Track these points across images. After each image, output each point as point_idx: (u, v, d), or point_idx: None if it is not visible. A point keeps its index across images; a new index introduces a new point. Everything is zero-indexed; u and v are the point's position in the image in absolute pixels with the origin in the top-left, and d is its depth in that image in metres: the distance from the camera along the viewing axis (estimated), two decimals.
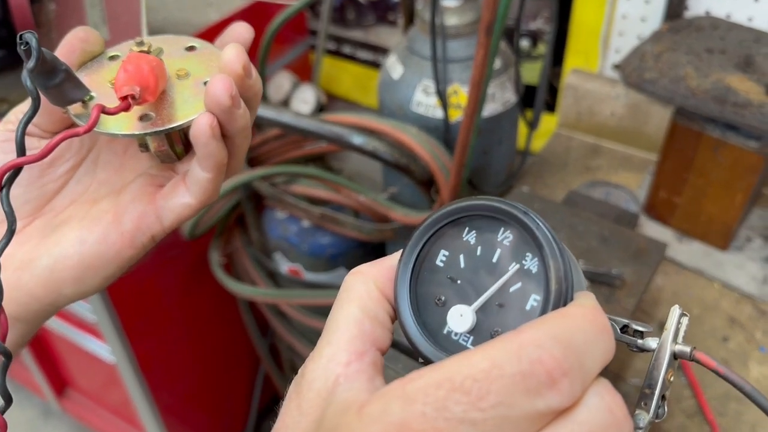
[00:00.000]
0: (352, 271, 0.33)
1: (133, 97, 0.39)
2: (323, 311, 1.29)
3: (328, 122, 0.96)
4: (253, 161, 1.16)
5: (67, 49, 0.42)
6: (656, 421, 0.33)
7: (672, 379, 0.33)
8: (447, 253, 0.33)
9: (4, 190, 0.32)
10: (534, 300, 0.30)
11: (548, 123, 1.29)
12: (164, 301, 1.36)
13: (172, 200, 0.44)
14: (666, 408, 0.33)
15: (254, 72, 0.42)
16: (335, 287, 1.28)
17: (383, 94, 1.05)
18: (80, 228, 0.43)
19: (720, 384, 0.85)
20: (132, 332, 1.28)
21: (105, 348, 1.34)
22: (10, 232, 0.32)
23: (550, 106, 1.31)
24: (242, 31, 0.44)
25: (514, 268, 0.31)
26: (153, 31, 0.52)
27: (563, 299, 0.29)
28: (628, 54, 0.96)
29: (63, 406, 1.77)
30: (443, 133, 1.00)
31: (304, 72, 1.47)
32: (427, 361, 0.31)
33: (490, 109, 0.98)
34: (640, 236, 0.81)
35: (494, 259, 0.31)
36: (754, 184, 0.92)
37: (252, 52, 1.14)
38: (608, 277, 0.72)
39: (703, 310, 0.93)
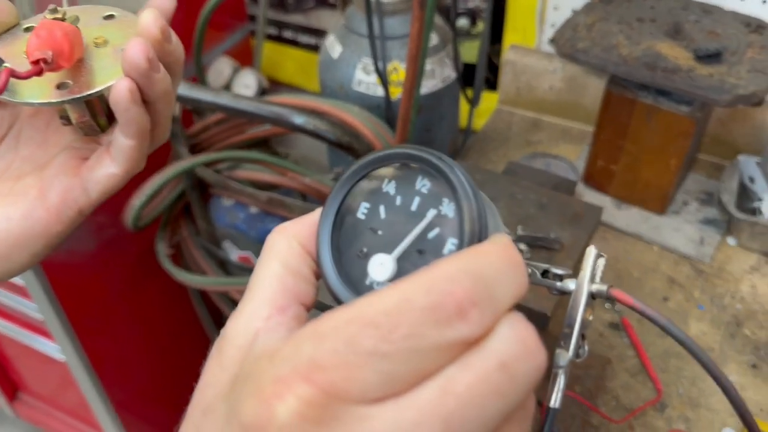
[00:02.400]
0: (275, 229, 0.33)
1: (45, 61, 0.39)
2: None
3: (268, 103, 0.95)
4: (195, 148, 1.15)
5: None
6: (577, 360, 0.34)
7: (591, 318, 0.33)
8: (368, 205, 0.33)
9: None
10: (452, 244, 0.30)
11: (490, 101, 1.31)
12: (113, 295, 1.34)
13: (97, 171, 0.44)
14: (586, 348, 0.34)
15: (174, 37, 0.42)
16: None
17: (323, 74, 1.04)
18: (4, 205, 0.43)
19: (661, 342, 0.88)
20: (81, 329, 1.26)
21: (54, 347, 1.31)
22: None
23: (492, 84, 1.32)
24: None
25: (431, 214, 0.31)
26: None
27: (477, 239, 0.30)
28: (561, 25, 0.98)
29: (16, 410, 1.72)
30: (385, 111, 1.00)
31: (245, 58, 1.45)
32: None
33: (429, 86, 0.99)
34: (576, 201, 0.82)
35: (413, 207, 0.32)
36: (688, 149, 0.95)
37: (187, 37, 1.12)
38: (546, 241, 0.74)
39: (642, 272, 0.96)
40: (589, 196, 1.04)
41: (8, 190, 0.43)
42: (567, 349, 0.33)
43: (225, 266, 1.32)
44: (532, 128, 1.21)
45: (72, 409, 1.63)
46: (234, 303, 1.37)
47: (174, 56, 0.43)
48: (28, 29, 0.44)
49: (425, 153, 0.31)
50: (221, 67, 1.29)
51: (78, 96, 0.41)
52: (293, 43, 1.50)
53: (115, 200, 0.49)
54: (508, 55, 1.20)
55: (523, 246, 0.71)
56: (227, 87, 1.28)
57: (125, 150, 0.43)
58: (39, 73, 0.39)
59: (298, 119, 0.94)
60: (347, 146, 0.95)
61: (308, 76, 1.53)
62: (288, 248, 0.32)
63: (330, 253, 0.33)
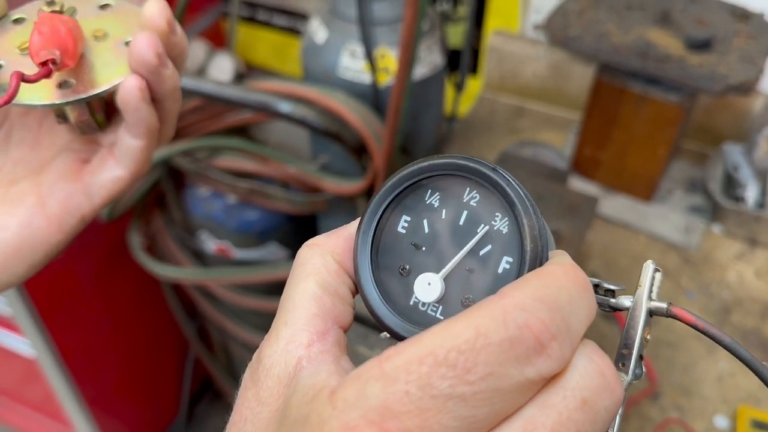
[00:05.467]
0: (307, 243, 0.30)
1: (53, 62, 0.35)
2: (255, 290, 1.26)
3: (253, 90, 0.92)
4: None
5: None
6: (634, 382, 0.32)
7: (649, 337, 0.32)
8: (409, 219, 0.30)
9: None
10: (506, 262, 0.28)
11: (471, 86, 1.29)
12: (84, 288, 1.29)
13: (101, 175, 0.41)
14: (644, 368, 0.32)
15: (179, 28, 0.39)
16: (266, 264, 1.25)
17: (307, 60, 1.01)
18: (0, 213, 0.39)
19: (652, 331, 0.88)
20: (52, 324, 1.21)
21: (23, 342, 1.26)
22: None
23: (472, 69, 1.31)
24: None
25: (483, 230, 0.29)
26: None
27: (539, 259, 0.27)
28: (551, 13, 0.97)
29: None
30: (372, 98, 0.97)
31: (217, 41, 1.40)
32: (397, 337, 0.29)
33: (418, 73, 0.97)
34: (572, 192, 0.82)
35: (461, 222, 0.29)
36: (675, 137, 0.95)
37: None
38: None
39: (631, 261, 0.96)
40: (576, 183, 1.04)
41: (2, 197, 0.40)
42: (625, 371, 0.31)
43: (201, 257, 1.28)
44: (515, 115, 1.20)
45: (38, 404, 1.57)
46: (210, 296, 1.33)
47: (179, 48, 0.39)
48: (17, 21, 0.40)
49: (477, 164, 0.29)
50: (195, 50, 1.23)
51: (84, 96, 0.38)
52: (267, 24, 1.45)
53: None
54: (492, 41, 1.19)
55: None
56: (201, 71, 1.23)
57: (132, 151, 0.40)
58: (48, 75, 0.35)
59: (285, 107, 0.90)
60: (335, 135, 0.93)
61: (282, 59, 1.49)
62: (323, 265, 0.29)
63: (371, 271, 0.30)
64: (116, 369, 1.48)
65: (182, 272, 1.21)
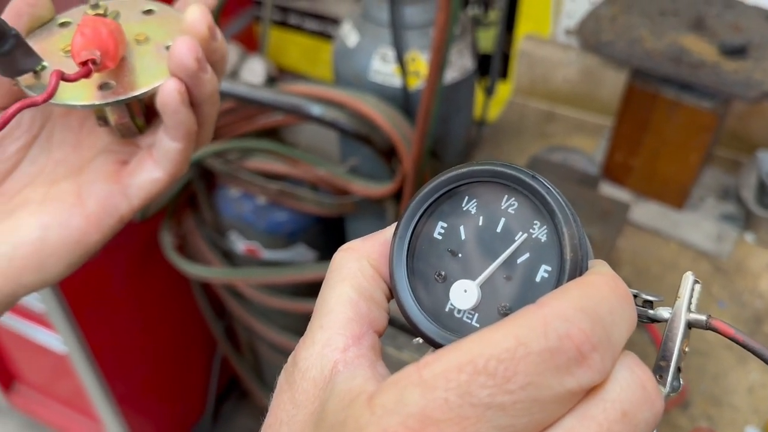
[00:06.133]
0: (342, 247, 0.31)
1: (93, 62, 0.36)
2: (282, 290, 1.27)
3: (285, 93, 0.93)
4: None
5: (14, 13, 0.39)
6: (672, 394, 0.32)
7: (687, 349, 0.31)
8: (445, 225, 0.30)
9: None
10: (544, 271, 0.28)
11: (501, 90, 1.29)
12: (115, 286, 1.31)
13: (139, 176, 0.42)
14: (681, 380, 0.32)
15: (219, 34, 0.40)
16: (294, 265, 1.26)
17: (339, 63, 1.02)
18: (40, 212, 0.40)
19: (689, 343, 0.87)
20: (84, 320, 1.23)
21: (56, 338, 1.28)
22: None
23: (502, 73, 1.30)
24: None
25: (521, 237, 0.28)
26: None
27: (579, 269, 0.27)
28: (584, 17, 0.96)
29: (11, 401, 1.69)
30: (402, 101, 0.98)
31: (250, 44, 1.42)
32: (432, 344, 0.29)
33: (448, 77, 0.97)
34: (603, 198, 0.82)
35: (498, 229, 0.29)
36: (708, 143, 0.94)
37: None
38: None
39: (662, 269, 0.95)
40: (607, 189, 1.03)
41: (42, 196, 0.41)
42: (663, 383, 0.31)
43: (230, 257, 1.30)
44: (546, 120, 1.20)
45: (68, 399, 1.60)
46: (238, 295, 1.35)
47: (219, 54, 0.40)
48: (63, 24, 0.42)
49: (516, 171, 0.29)
50: (228, 53, 1.25)
51: (124, 98, 0.38)
52: (298, 28, 1.47)
53: None
54: (523, 45, 1.18)
55: None
56: (234, 74, 1.25)
57: (171, 153, 0.40)
58: (88, 74, 0.36)
59: (316, 110, 0.91)
60: (365, 138, 0.93)
61: (313, 63, 1.50)
62: (359, 270, 0.29)
63: (407, 277, 0.30)
64: (145, 366, 1.50)
65: (212, 272, 1.23)
